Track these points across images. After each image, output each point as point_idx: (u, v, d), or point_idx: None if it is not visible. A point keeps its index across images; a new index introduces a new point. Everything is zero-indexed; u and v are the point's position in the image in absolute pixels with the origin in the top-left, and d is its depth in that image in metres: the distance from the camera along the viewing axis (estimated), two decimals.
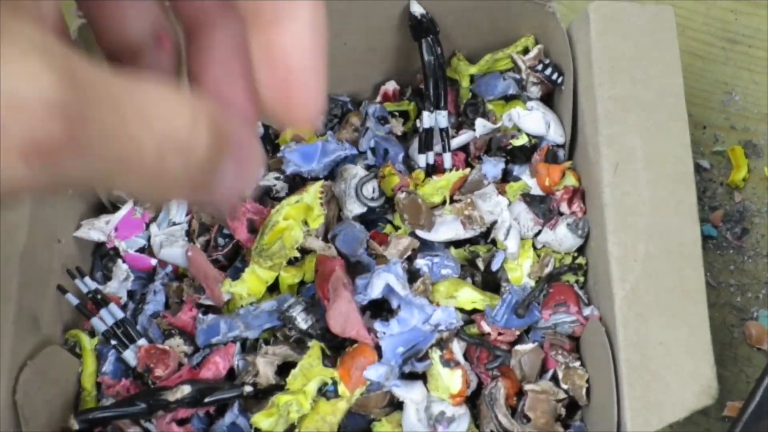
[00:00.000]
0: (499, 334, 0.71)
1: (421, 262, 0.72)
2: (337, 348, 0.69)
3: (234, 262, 0.76)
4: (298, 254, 0.71)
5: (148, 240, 0.77)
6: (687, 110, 0.69)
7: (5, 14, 0.24)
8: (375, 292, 0.67)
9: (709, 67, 0.93)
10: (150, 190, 0.28)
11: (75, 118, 0.24)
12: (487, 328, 0.71)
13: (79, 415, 0.66)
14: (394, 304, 0.69)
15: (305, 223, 0.71)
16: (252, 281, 0.71)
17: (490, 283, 0.74)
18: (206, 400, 0.67)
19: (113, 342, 0.71)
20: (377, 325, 0.67)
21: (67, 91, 0.24)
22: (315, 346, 0.68)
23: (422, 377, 0.71)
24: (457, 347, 0.70)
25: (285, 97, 0.30)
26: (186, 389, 0.66)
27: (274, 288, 0.74)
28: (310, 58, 0.30)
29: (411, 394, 0.70)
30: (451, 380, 0.68)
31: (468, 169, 0.76)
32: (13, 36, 0.24)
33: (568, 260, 0.73)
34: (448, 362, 0.68)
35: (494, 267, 0.73)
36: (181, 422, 0.69)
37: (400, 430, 0.70)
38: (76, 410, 0.68)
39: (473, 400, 0.73)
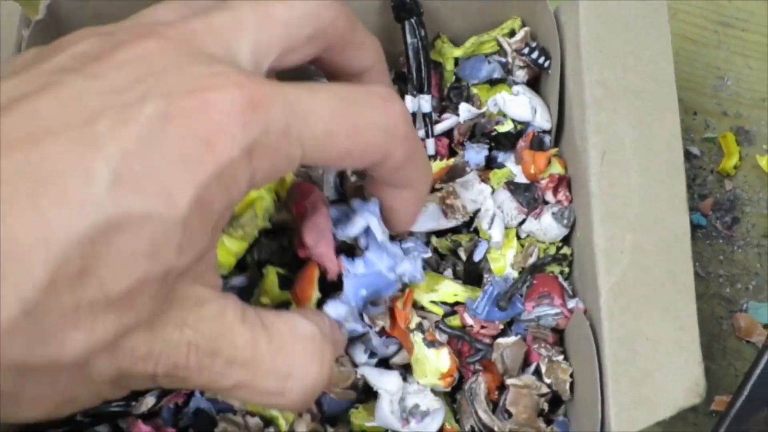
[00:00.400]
0: (482, 327, 0.69)
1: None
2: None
3: None
4: (269, 225, 0.68)
5: None
6: (678, 95, 0.66)
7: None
8: (355, 230, 0.63)
9: (702, 51, 0.91)
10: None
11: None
12: (470, 321, 0.69)
13: None
14: (363, 243, 0.65)
15: (277, 195, 0.69)
16: (222, 253, 0.68)
17: (473, 273, 0.71)
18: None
19: None
20: (343, 261, 0.64)
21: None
22: (271, 272, 0.66)
23: (403, 368, 0.69)
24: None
25: None
26: (150, 401, 0.64)
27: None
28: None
29: (386, 385, 0.68)
30: (438, 360, 0.66)
31: (452, 159, 0.74)
32: None
33: (552, 250, 0.71)
34: (432, 343, 0.66)
35: (477, 257, 0.70)
36: (150, 416, 0.66)
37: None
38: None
39: (453, 395, 0.71)
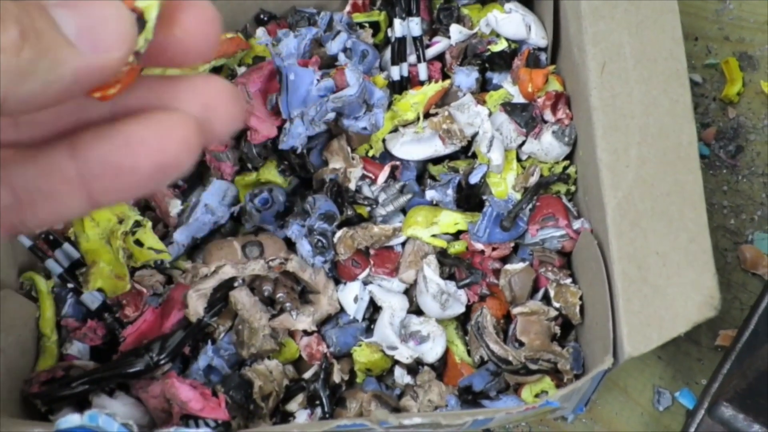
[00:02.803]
0: (493, 249, 0.67)
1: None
2: None
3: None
4: None
5: None
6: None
7: None
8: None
9: None
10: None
11: None
12: (479, 246, 0.67)
13: (43, 396, 0.62)
14: None
15: None
16: None
17: (471, 198, 0.69)
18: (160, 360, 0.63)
19: (70, 285, 0.67)
20: None
21: None
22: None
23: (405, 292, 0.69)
24: (433, 268, 0.66)
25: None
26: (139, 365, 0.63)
27: None
28: None
29: (390, 300, 0.67)
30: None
31: (447, 81, 0.71)
32: None
33: (558, 170, 0.69)
34: None
35: (473, 180, 0.68)
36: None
37: (380, 356, 0.67)
38: (39, 383, 0.64)
39: (464, 325, 0.69)
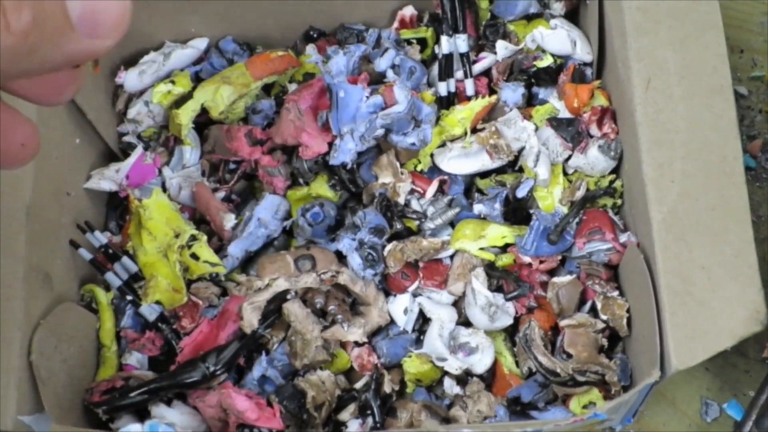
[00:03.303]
0: (541, 262, 0.68)
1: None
2: None
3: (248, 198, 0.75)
4: None
5: (162, 185, 0.74)
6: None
7: None
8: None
9: None
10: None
11: None
12: (527, 259, 0.68)
13: (104, 405, 0.64)
14: None
15: None
16: None
17: (518, 212, 0.70)
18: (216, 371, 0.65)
19: (129, 297, 0.69)
20: None
21: None
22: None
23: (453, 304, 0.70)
24: (482, 281, 0.67)
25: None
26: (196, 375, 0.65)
27: None
28: None
29: (439, 312, 0.69)
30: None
31: (494, 97, 0.72)
32: None
33: (604, 183, 0.69)
34: None
35: (520, 194, 0.69)
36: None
37: (429, 367, 0.68)
38: (99, 393, 0.66)
39: (512, 336, 0.70)
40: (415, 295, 0.70)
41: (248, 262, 0.73)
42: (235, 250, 0.71)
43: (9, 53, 0.29)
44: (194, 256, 0.69)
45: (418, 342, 0.70)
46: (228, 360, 0.66)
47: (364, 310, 0.70)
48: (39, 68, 0.30)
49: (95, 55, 0.31)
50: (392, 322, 0.70)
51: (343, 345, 0.70)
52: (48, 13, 0.29)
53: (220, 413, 0.65)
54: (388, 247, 0.68)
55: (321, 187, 0.72)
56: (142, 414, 0.66)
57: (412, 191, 0.71)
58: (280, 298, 0.68)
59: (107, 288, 0.70)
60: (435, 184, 0.71)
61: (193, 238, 0.69)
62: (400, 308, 0.69)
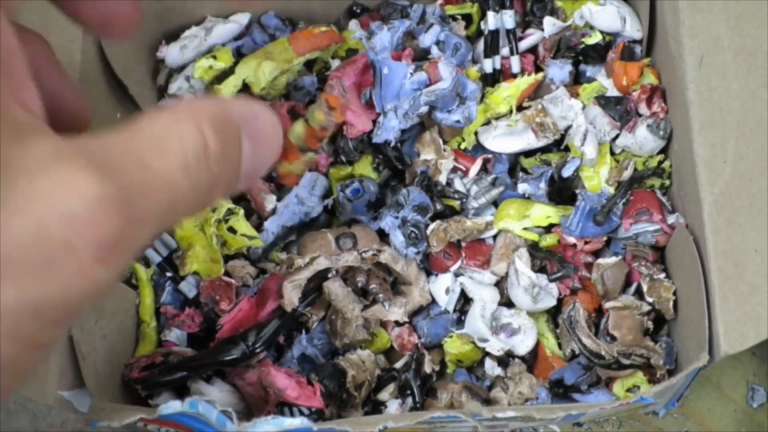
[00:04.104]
0: (586, 243, 0.67)
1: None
2: None
3: None
4: None
5: None
6: None
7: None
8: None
9: None
10: (197, 206, 0.29)
11: (121, 198, 0.26)
12: (571, 240, 0.67)
13: (144, 382, 0.64)
14: None
15: None
16: None
17: (563, 192, 0.69)
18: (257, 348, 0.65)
19: (168, 273, 0.68)
20: None
21: (104, 179, 0.25)
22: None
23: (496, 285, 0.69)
24: (525, 261, 0.66)
25: None
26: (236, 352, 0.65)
27: None
28: None
29: (482, 292, 0.68)
30: None
31: (540, 74, 0.71)
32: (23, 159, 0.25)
33: (652, 164, 0.68)
34: None
35: (566, 173, 0.68)
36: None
37: (470, 347, 0.67)
38: (139, 368, 0.66)
39: (554, 318, 0.69)
40: (457, 274, 0.69)
41: (289, 243, 0.72)
42: (272, 226, 0.70)
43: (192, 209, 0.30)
44: (231, 230, 0.69)
45: (459, 322, 0.69)
46: (268, 338, 0.65)
47: (405, 290, 0.69)
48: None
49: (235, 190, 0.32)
50: (433, 302, 0.69)
51: (384, 324, 0.69)
52: (231, 180, 0.31)
53: (259, 391, 0.64)
54: (432, 226, 0.67)
55: (365, 168, 0.71)
56: (180, 391, 0.66)
57: (455, 169, 0.70)
58: (321, 276, 0.68)
59: (147, 264, 0.70)
60: (479, 163, 0.70)
61: (230, 212, 0.69)
62: (442, 288, 0.69)
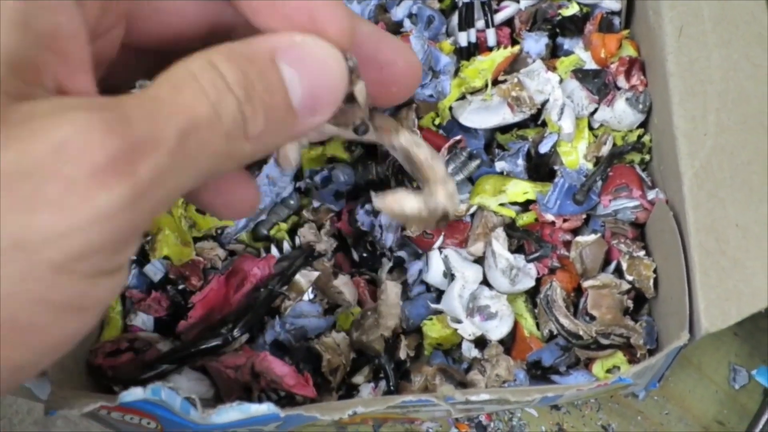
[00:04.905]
0: (564, 221, 0.65)
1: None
2: None
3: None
4: None
5: None
6: None
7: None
8: None
9: None
10: (237, 134, 0.29)
11: (118, 119, 0.26)
12: (550, 217, 0.65)
13: (123, 379, 0.62)
14: None
15: None
16: None
17: (541, 168, 0.67)
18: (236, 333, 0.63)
19: (132, 257, 0.66)
20: None
21: (102, 110, 0.26)
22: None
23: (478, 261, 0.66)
24: (502, 242, 0.64)
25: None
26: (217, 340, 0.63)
27: None
28: None
29: (465, 270, 0.65)
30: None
31: (516, 47, 0.69)
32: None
33: (631, 138, 0.66)
34: None
35: (543, 149, 0.66)
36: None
37: (451, 331, 0.65)
38: (103, 354, 0.63)
39: (533, 297, 0.67)
40: (441, 249, 0.67)
41: (257, 224, 0.70)
42: None
43: (247, 158, 0.30)
44: (200, 211, 0.67)
45: (440, 299, 0.67)
46: (248, 320, 0.63)
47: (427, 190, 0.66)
48: (260, 154, 0.31)
49: (312, 130, 0.32)
50: (415, 282, 0.67)
51: (361, 303, 0.67)
52: (275, 108, 0.30)
53: (246, 376, 0.62)
54: None
55: (336, 148, 0.69)
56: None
57: None
58: (307, 255, 0.66)
59: None
60: (447, 147, 0.67)
61: None
62: (438, 271, 0.66)
